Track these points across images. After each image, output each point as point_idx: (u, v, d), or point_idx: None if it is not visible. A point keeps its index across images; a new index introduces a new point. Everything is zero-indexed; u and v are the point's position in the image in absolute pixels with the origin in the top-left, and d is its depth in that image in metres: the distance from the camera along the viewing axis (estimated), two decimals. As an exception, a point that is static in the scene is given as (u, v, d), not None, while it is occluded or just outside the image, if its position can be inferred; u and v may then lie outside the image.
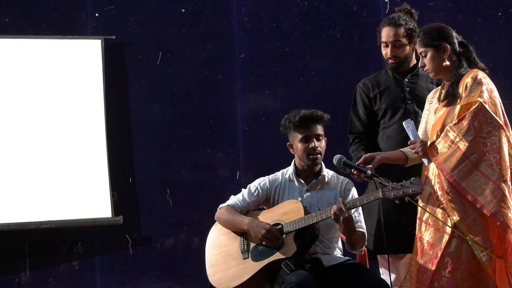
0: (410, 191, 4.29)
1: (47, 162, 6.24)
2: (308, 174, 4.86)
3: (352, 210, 4.62)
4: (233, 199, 4.89)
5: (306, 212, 4.62)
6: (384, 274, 5.25)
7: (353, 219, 4.56)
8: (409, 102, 5.17)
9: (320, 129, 4.81)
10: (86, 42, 6.44)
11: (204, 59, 6.61)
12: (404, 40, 5.14)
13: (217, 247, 4.81)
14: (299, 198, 4.78)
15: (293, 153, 4.90)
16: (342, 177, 4.90)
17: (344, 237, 4.71)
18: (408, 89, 5.19)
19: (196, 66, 6.60)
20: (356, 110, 5.36)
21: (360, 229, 4.71)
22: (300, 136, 4.79)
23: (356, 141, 5.31)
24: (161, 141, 6.55)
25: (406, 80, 5.21)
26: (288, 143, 4.90)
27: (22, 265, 6.31)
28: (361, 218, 4.79)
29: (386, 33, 5.16)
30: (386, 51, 5.21)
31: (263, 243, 4.61)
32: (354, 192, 4.86)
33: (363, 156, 4.60)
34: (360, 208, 4.77)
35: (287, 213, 4.67)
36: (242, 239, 4.73)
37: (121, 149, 6.47)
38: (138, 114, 6.55)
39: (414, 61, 5.23)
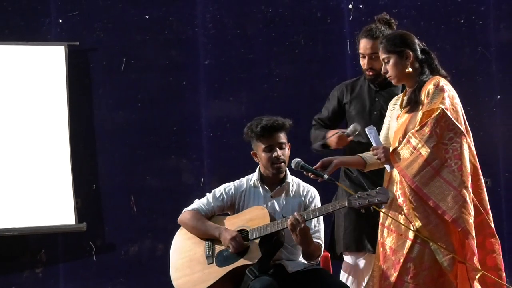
0: (376, 200, 4.28)
1: (10, 168, 6.19)
2: (273, 181, 4.84)
3: (313, 220, 4.64)
4: (197, 203, 4.86)
5: (272, 218, 4.61)
6: (345, 278, 5.29)
7: (309, 230, 4.55)
8: (375, 113, 5.20)
9: (283, 137, 4.78)
10: (49, 48, 6.39)
11: (168, 65, 6.60)
12: None
13: (182, 252, 4.80)
14: (264, 205, 4.77)
15: (257, 161, 4.87)
16: (306, 184, 4.89)
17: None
18: (377, 99, 5.22)
19: (160, 72, 6.59)
20: (328, 107, 5.43)
21: (317, 240, 4.71)
22: (263, 146, 4.76)
23: (320, 125, 5.38)
24: (125, 148, 6.53)
25: (378, 90, 5.23)
26: (252, 152, 4.87)
27: (-16, 273, 6.28)
28: (321, 228, 4.78)
29: (363, 45, 5.17)
30: (363, 62, 5.22)
31: (229, 249, 4.61)
32: (317, 200, 4.85)
33: (321, 160, 4.59)
34: (321, 217, 4.76)
35: (253, 219, 4.65)
36: (207, 244, 4.72)
37: (85, 155, 6.44)
38: (102, 120, 6.52)
39: None
